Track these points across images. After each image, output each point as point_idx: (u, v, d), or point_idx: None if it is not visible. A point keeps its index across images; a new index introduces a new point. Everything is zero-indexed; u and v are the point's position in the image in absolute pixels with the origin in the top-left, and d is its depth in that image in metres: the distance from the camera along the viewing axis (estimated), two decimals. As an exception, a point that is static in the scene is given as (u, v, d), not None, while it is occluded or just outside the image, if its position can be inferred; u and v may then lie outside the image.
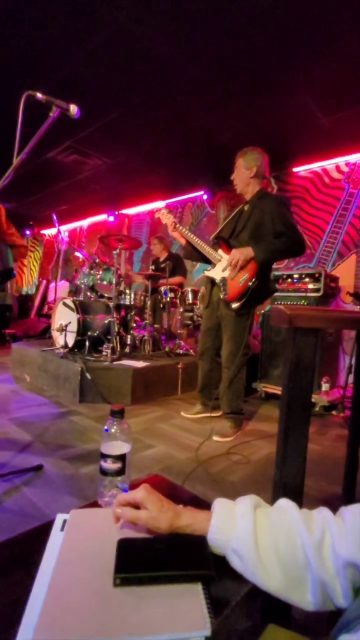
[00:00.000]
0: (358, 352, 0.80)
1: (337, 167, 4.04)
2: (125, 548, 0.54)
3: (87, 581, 0.50)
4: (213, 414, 2.65)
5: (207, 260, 2.48)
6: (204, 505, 0.79)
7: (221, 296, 2.32)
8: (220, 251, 2.37)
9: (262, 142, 3.72)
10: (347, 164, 3.97)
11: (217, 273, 2.36)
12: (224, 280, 2.30)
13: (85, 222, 7.66)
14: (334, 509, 0.52)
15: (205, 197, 5.43)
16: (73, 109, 1.39)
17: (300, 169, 4.31)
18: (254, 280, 2.20)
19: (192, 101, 3.20)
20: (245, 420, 2.61)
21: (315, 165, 4.18)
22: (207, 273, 2.44)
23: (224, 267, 2.31)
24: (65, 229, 8.06)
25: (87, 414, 2.63)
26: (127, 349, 3.59)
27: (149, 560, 0.52)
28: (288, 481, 0.69)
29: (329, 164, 4.08)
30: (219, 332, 2.48)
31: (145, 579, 0.50)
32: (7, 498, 1.47)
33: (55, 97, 1.38)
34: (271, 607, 0.60)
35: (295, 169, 4.34)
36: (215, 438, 2.28)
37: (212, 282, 2.46)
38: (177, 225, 2.52)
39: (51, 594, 0.48)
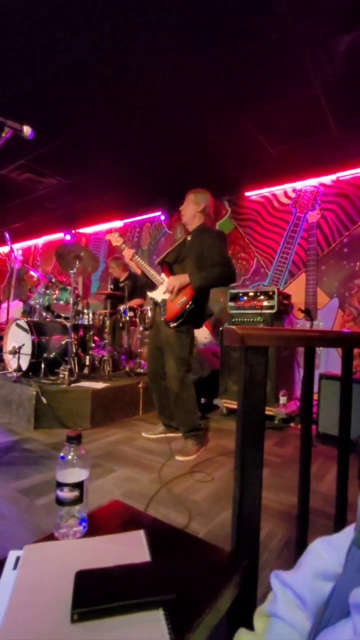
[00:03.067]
0: (305, 367, 0.85)
1: (285, 193, 4.34)
2: (83, 581, 0.52)
3: (43, 621, 0.48)
4: (176, 434, 2.66)
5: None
6: (165, 528, 0.78)
7: (161, 314, 2.45)
8: (163, 275, 2.53)
9: (216, 167, 3.95)
10: (294, 190, 4.27)
11: (159, 295, 2.51)
12: (164, 301, 2.45)
13: (40, 241, 7.46)
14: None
15: (162, 217, 5.55)
16: (27, 130, 1.39)
17: (252, 194, 4.57)
18: (190, 303, 2.37)
19: (147, 126, 3.31)
20: (207, 437, 2.62)
21: (266, 190, 4.45)
22: (150, 294, 2.57)
23: (164, 289, 2.46)
24: (18, 247, 7.78)
25: (42, 441, 2.49)
26: (85, 370, 3.49)
27: (107, 591, 0.51)
28: (246, 494, 0.70)
29: (277, 189, 4.37)
30: (162, 352, 2.54)
31: (103, 611, 0.48)
32: None
33: (7, 117, 1.37)
34: (238, 614, 0.60)
35: (247, 193, 4.59)
36: (177, 458, 2.26)
37: (155, 303, 2.59)
38: (135, 257, 2.61)
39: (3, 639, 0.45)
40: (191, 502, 1.72)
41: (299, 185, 4.21)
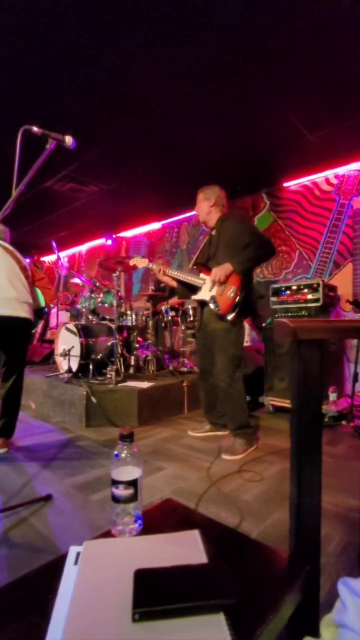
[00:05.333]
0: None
1: (327, 180, 4.12)
2: (143, 580, 0.52)
3: (105, 619, 0.48)
4: (221, 432, 2.65)
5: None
6: (220, 528, 0.77)
7: (214, 310, 2.40)
8: (202, 275, 2.51)
9: (253, 160, 3.86)
10: (336, 177, 4.05)
11: (205, 294, 2.48)
12: (213, 297, 2.41)
13: (83, 247, 7.77)
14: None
15: (199, 216, 5.53)
16: (68, 140, 1.44)
17: (291, 184, 4.40)
18: (240, 290, 2.33)
19: (182, 126, 3.31)
20: (255, 436, 2.57)
21: (306, 179, 4.27)
22: (195, 297, 2.55)
23: (209, 286, 2.43)
24: (64, 254, 8.17)
25: (94, 439, 2.59)
26: (131, 370, 3.57)
27: (167, 591, 0.50)
28: (305, 498, 0.67)
29: (318, 177, 4.17)
30: (212, 351, 2.52)
31: (164, 612, 0.48)
32: (15, 532, 1.43)
33: (50, 129, 1.43)
34: (301, 621, 0.58)
35: (286, 184, 4.43)
36: (224, 456, 2.24)
37: (201, 304, 2.57)
38: (168, 271, 2.63)
39: (68, 636, 0.46)
40: (241, 502, 1.69)
41: (342, 170, 3.98)
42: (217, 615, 0.48)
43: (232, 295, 2.32)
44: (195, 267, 2.60)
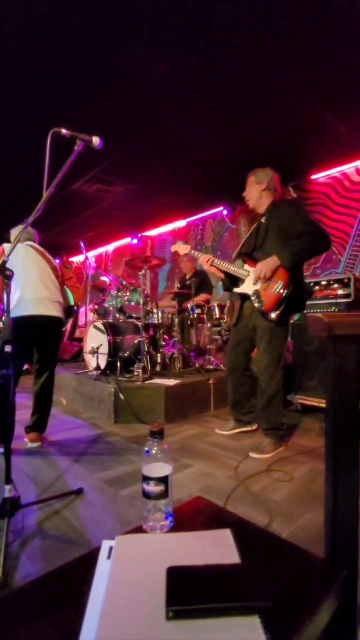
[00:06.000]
0: None
1: (358, 171, 3.96)
2: (176, 578, 0.52)
3: (140, 615, 0.49)
4: (247, 429, 2.60)
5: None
6: (252, 528, 0.75)
7: (257, 306, 2.28)
8: (246, 266, 2.37)
9: (279, 153, 3.77)
10: (368, 166, 3.89)
11: (248, 287, 2.35)
12: (257, 292, 2.28)
13: (110, 247, 7.90)
14: None
15: (225, 212, 5.47)
16: (96, 140, 1.46)
17: (319, 176, 4.26)
18: (288, 286, 2.17)
19: (204, 122, 3.28)
20: (285, 437, 2.52)
21: (335, 171, 4.12)
22: (237, 290, 2.41)
23: (254, 280, 2.30)
24: (92, 255, 8.35)
25: (123, 435, 2.63)
26: (158, 368, 3.59)
27: (201, 590, 0.50)
28: (342, 499, 0.64)
29: (348, 168, 4.01)
30: (249, 347, 2.45)
31: (198, 611, 0.47)
32: (49, 524, 1.47)
33: (77, 131, 1.46)
34: (338, 629, 0.55)
35: (314, 177, 4.30)
36: (252, 455, 2.21)
37: (242, 297, 2.44)
38: (216, 261, 2.45)
39: (103, 631, 0.47)
40: (271, 502, 1.66)
41: (375, 159, 3.81)
42: (252, 618, 0.47)
43: (278, 291, 2.17)
44: (239, 258, 2.44)
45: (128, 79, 2.71)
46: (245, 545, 0.63)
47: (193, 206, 5.58)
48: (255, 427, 2.57)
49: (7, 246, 2.21)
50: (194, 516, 0.78)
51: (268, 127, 3.37)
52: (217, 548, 0.63)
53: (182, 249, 2.71)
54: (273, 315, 2.20)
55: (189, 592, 0.50)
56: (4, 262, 1.32)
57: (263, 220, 2.38)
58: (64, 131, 1.41)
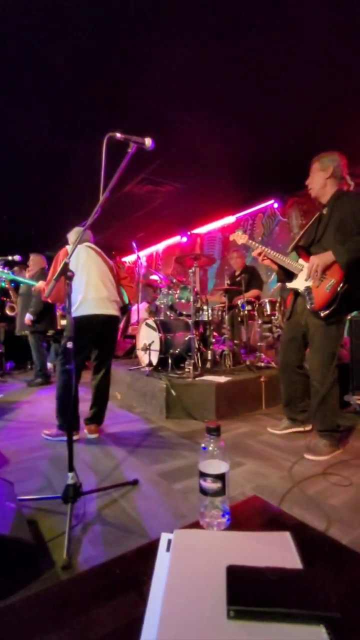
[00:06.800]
0: None
1: None
2: (236, 576, 0.52)
3: (200, 610, 0.49)
4: (301, 429, 2.51)
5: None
6: (314, 534, 0.73)
7: (307, 306, 2.19)
8: (300, 260, 2.26)
9: (334, 137, 3.54)
10: None
11: (300, 283, 2.25)
12: (308, 289, 2.18)
13: (160, 246, 8.05)
14: None
15: (275, 205, 5.30)
16: (148, 142, 1.50)
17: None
18: (342, 285, 2.03)
19: (253, 111, 3.19)
20: (343, 439, 2.39)
21: None
22: (289, 285, 2.33)
23: (306, 276, 2.20)
24: (142, 254, 8.57)
25: (174, 430, 2.68)
26: (208, 365, 3.60)
27: (262, 593, 0.49)
28: None
29: None
30: (302, 343, 2.36)
31: (261, 614, 0.47)
32: (107, 511, 1.55)
33: (129, 133, 1.50)
34: None
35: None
36: (307, 456, 2.12)
37: (295, 293, 2.35)
38: (267, 251, 2.39)
39: (165, 622, 0.48)
40: (328, 506, 1.58)
41: None
42: (318, 627, 0.45)
43: (329, 289, 2.05)
44: (294, 251, 2.33)
45: (179, 79, 2.73)
46: (306, 550, 0.61)
47: (242, 201, 5.48)
48: (309, 427, 2.47)
49: (69, 248, 2.32)
50: (250, 515, 0.78)
51: (323, 110, 3.19)
52: (277, 550, 0.62)
53: (240, 237, 2.66)
54: (322, 314, 2.10)
55: (250, 592, 0.49)
56: (66, 264, 1.40)
57: (324, 211, 2.23)
58: (118, 135, 1.46)
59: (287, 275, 2.37)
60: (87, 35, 2.35)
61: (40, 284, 2.57)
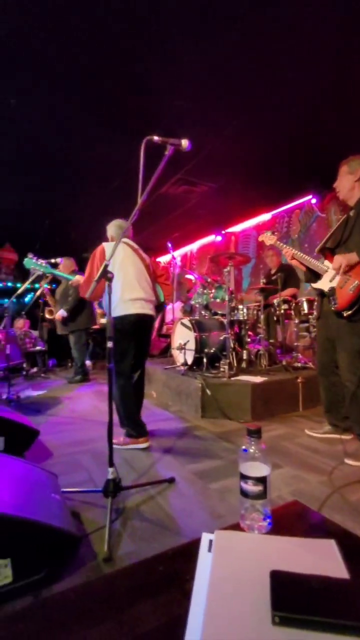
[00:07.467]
0: None
1: None
2: (280, 582, 0.51)
3: (243, 613, 0.49)
4: (344, 437, 2.41)
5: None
6: (356, 540, 0.70)
7: (331, 304, 2.20)
8: (326, 262, 2.29)
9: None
10: None
11: (324, 284, 2.28)
12: (332, 290, 2.21)
13: (194, 246, 8.06)
14: None
15: (313, 201, 5.13)
16: (184, 143, 1.51)
17: None
18: None
19: (288, 106, 3.11)
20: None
21: None
22: (314, 285, 2.35)
23: (331, 277, 2.23)
24: (177, 254, 8.63)
25: (209, 429, 2.68)
26: (243, 365, 3.56)
27: (307, 600, 0.48)
28: None
29: None
30: (334, 343, 2.30)
31: (306, 622, 0.46)
32: (145, 507, 1.59)
33: (166, 135, 1.52)
34: None
35: None
36: (348, 462, 2.04)
37: (321, 293, 2.36)
38: (295, 252, 2.42)
39: (209, 624, 0.48)
40: (373, 515, 1.52)
41: None
42: (364, 640, 0.44)
43: (353, 290, 2.06)
44: (321, 253, 2.35)
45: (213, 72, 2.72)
46: (353, 560, 0.59)
47: (278, 197, 5.36)
48: (351, 436, 2.37)
49: (106, 245, 2.33)
50: (292, 520, 0.76)
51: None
52: (321, 558, 0.60)
53: (268, 238, 2.69)
54: (345, 314, 2.12)
55: (295, 599, 0.49)
56: (106, 266, 1.44)
57: (351, 213, 2.23)
58: (155, 138, 1.48)
59: (314, 276, 2.39)
60: (122, 37, 2.41)
61: (77, 277, 2.62)
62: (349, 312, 2.11)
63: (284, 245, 2.54)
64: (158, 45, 2.45)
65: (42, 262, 2.53)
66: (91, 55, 2.55)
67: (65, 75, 2.74)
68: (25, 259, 2.45)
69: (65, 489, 1.57)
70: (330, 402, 2.44)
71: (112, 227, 2.56)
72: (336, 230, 2.34)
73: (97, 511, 1.53)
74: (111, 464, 1.51)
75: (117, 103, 3.04)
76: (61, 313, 4.38)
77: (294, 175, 4.56)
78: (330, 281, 2.23)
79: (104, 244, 2.34)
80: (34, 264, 2.42)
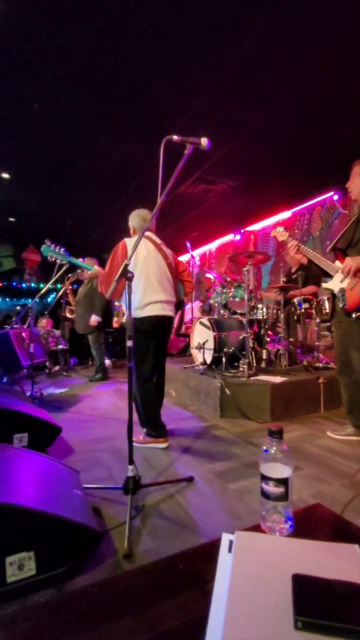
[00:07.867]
0: None
1: None
2: (302, 586, 0.51)
3: (264, 616, 0.49)
4: (368, 439, 2.36)
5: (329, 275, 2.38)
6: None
7: (341, 304, 2.21)
8: (337, 262, 2.28)
9: None
10: None
11: (335, 284, 2.28)
12: (342, 290, 2.21)
13: (213, 245, 8.02)
14: None
15: (335, 197, 5.00)
16: (204, 142, 1.50)
17: None
18: None
19: (305, 105, 3.05)
20: None
21: None
22: (325, 285, 2.36)
23: (341, 278, 2.22)
24: (196, 253, 8.62)
25: (228, 429, 2.66)
26: (263, 364, 3.52)
27: (331, 606, 0.47)
28: None
29: None
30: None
31: (330, 628, 0.45)
32: (164, 505, 1.59)
33: (184, 134, 1.51)
34: None
35: None
36: (373, 465, 1.99)
37: (332, 293, 2.36)
38: (301, 247, 2.44)
39: (230, 625, 0.48)
40: None
41: None
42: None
43: None
44: (333, 252, 2.35)
45: (234, 81, 2.70)
46: (377, 566, 0.58)
47: (298, 194, 5.25)
48: None
49: (128, 241, 2.28)
50: (314, 524, 0.75)
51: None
52: (344, 563, 0.59)
53: (280, 234, 2.71)
54: (354, 315, 2.14)
55: (318, 604, 0.48)
56: (126, 265, 1.45)
57: None
58: (175, 137, 1.48)
59: (325, 275, 2.39)
60: (139, 38, 2.42)
61: (96, 268, 2.61)
62: (358, 314, 2.14)
63: (290, 239, 2.54)
64: (176, 45, 2.45)
65: (60, 249, 2.50)
66: (109, 58, 2.58)
67: (88, 84, 2.78)
68: (43, 246, 2.42)
69: (86, 485, 1.60)
70: (351, 402, 2.40)
71: (135, 218, 2.45)
72: (347, 230, 2.34)
73: (117, 508, 1.55)
74: (131, 462, 1.53)
75: (133, 106, 3.06)
76: (95, 319, 4.45)
77: (315, 171, 4.47)
78: (341, 282, 2.24)
79: (126, 240, 2.28)
80: (51, 251, 2.39)
